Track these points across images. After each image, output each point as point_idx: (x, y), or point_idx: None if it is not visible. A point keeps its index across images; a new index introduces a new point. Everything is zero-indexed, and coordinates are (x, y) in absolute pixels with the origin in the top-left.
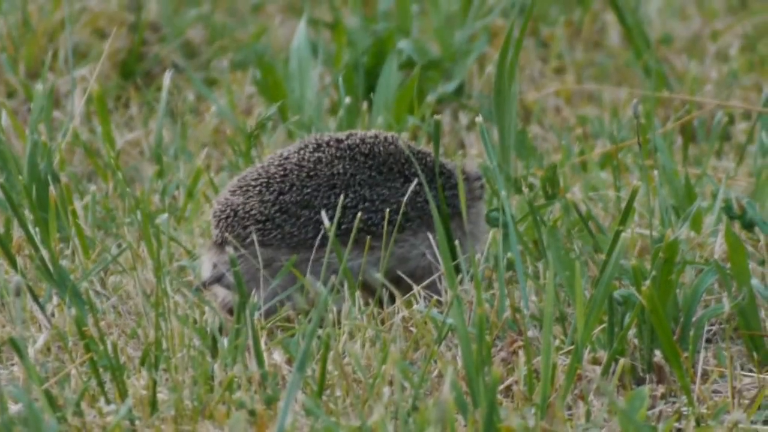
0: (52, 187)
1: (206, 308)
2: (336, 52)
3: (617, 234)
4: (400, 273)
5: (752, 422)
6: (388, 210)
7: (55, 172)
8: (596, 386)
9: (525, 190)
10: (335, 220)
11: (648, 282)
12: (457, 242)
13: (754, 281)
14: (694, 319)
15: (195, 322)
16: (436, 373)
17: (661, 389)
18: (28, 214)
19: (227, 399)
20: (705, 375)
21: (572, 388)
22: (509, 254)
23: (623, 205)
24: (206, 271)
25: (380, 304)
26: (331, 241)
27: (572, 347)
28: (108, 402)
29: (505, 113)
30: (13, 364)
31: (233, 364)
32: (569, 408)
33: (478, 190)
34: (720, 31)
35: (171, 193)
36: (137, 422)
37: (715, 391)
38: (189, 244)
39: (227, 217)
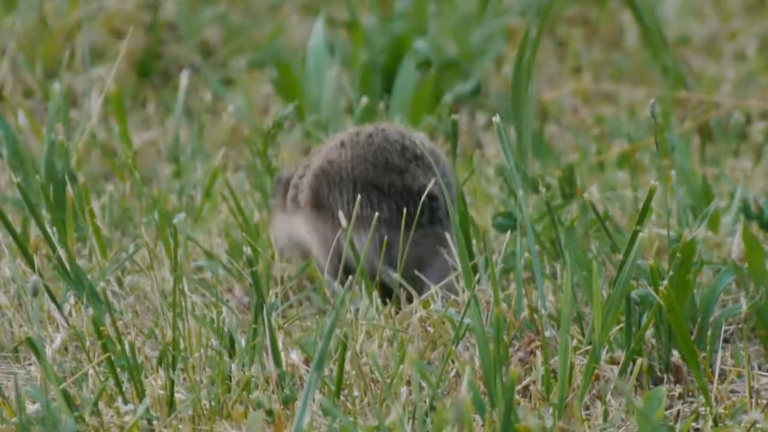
0: (69, 187)
1: (223, 308)
2: (353, 51)
3: (634, 234)
4: (417, 273)
5: None
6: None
7: (72, 172)
8: (614, 386)
9: (542, 189)
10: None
11: (665, 282)
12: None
13: None
14: (711, 319)
15: (212, 321)
16: (453, 373)
17: (678, 389)
18: (45, 213)
19: (245, 399)
20: (722, 375)
21: (590, 388)
22: (526, 254)
23: (640, 204)
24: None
25: (398, 303)
26: (348, 239)
27: (590, 347)
28: (125, 402)
29: (522, 113)
30: (30, 364)
31: (251, 363)
32: (587, 408)
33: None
34: (737, 30)
35: (188, 192)
36: (155, 422)
37: (732, 391)
38: (206, 244)
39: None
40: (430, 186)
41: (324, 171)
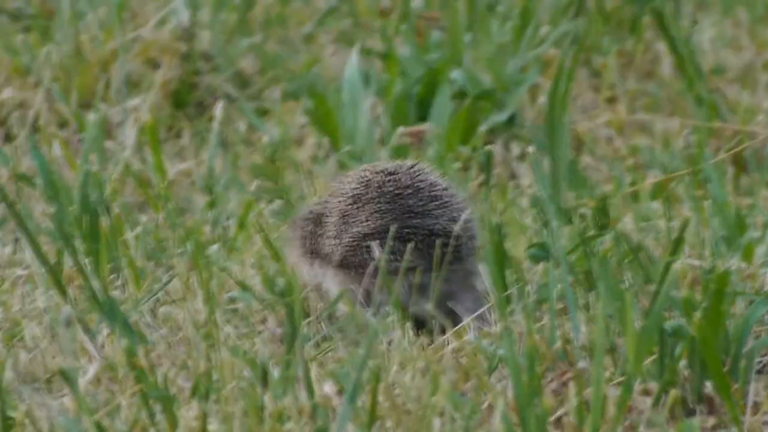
0: (103, 218)
1: (257, 339)
2: (388, 82)
3: (668, 265)
4: (450, 305)
5: None
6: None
7: (107, 203)
8: (647, 418)
9: (576, 220)
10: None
11: (698, 313)
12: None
13: None
14: (744, 350)
15: (245, 353)
16: (486, 404)
17: (711, 421)
18: (79, 244)
19: (278, 430)
20: (756, 406)
21: (623, 420)
22: (560, 285)
23: (674, 236)
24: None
25: (431, 334)
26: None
27: (623, 378)
28: None
29: (556, 143)
30: (63, 395)
31: (284, 395)
32: None
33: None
34: None
35: (222, 223)
36: None
37: (765, 423)
38: (240, 275)
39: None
40: (459, 223)
41: (346, 236)
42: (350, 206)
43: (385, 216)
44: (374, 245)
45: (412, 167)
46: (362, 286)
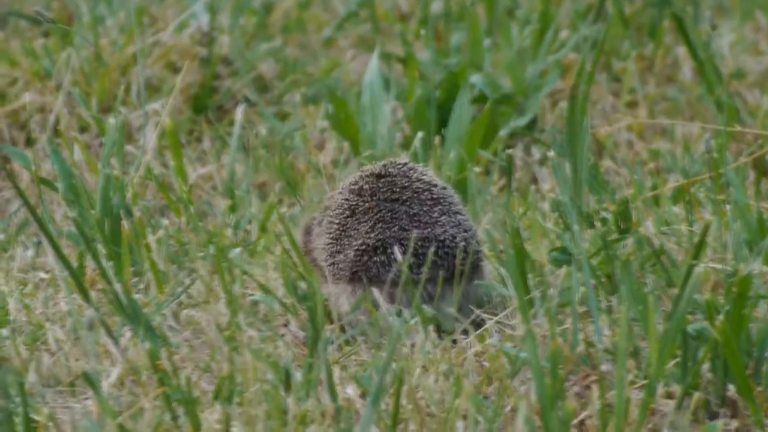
0: (125, 222)
1: (279, 342)
2: (408, 86)
3: (690, 268)
4: (472, 307)
5: None
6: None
7: (128, 207)
8: (670, 421)
9: (597, 224)
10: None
11: (721, 316)
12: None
13: None
14: (767, 353)
15: (268, 356)
16: (509, 407)
17: (734, 424)
18: (101, 248)
19: None
20: None
21: (646, 423)
22: (582, 288)
23: (696, 239)
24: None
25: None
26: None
27: (645, 381)
28: None
29: (577, 147)
30: (86, 398)
31: (307, 398)
32: None
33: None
34: None
35: (243, 227)
36: None
37: None
38: (262, 278)
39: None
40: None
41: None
42: (349, 218)
43: (389, 226)
44: (396, 250)
45: (402, 166)
46: (383, 288)
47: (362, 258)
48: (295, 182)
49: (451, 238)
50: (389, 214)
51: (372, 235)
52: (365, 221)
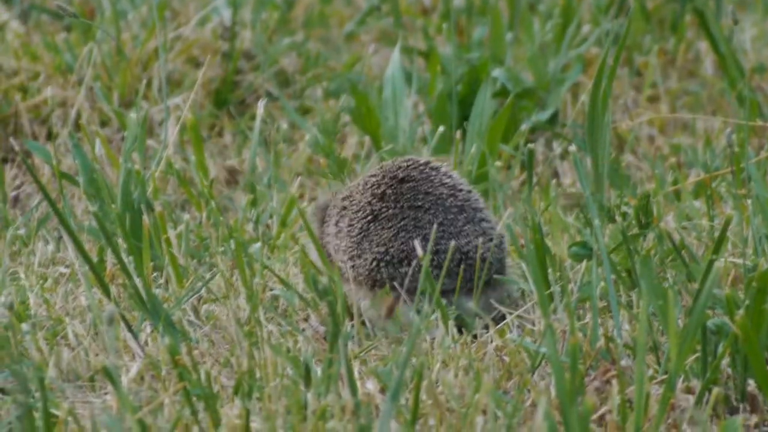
0: (145, 216)
1: (299, 337)
2: (430, 80)
3: (710, 263)
4: (492, 301)
5: None
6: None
7: (149, 201)
8: (690, 416)
9: (618, 219)
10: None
11: (741, 311)
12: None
13: None
14: None
15: (288, 350)
16: (529, 402)
17: (754, 418)
18: (121, 242)
19: (320, 428)
20: None
21: (665, 418)
22: (602, 283)
23: (716, 234)
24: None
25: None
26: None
27: (665, 376)
28: (201, 431)
29: (598, 142)
30: (106, 393)
31: (326, 393)
32: None
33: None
34: None
35: (264, 222)
36: None
37: None
38: (282, 273)
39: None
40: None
41: (379, 261)
42: (371, 223)
43: (412, 236)
44: (417, 244)
45: (425, 167)
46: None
47: (384, 267)
48: (342, 161)
49: (474, 249)
50: (412, 222)
51: (395, 245)
52: (388, 228)
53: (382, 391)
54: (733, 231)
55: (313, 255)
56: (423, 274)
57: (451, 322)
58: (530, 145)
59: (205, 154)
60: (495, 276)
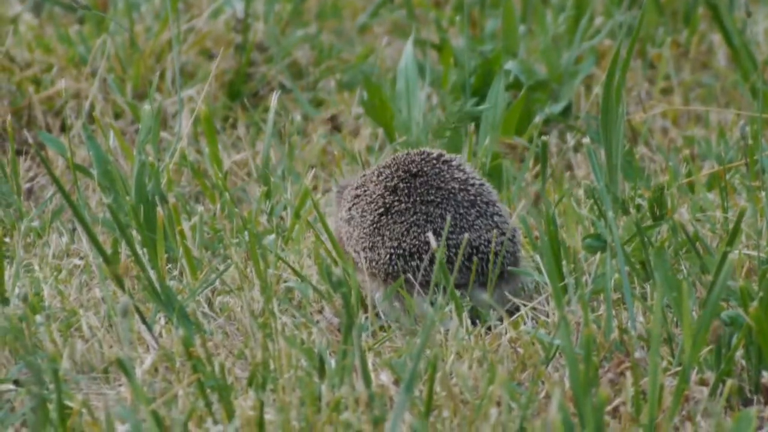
0: (159, 208)
1: (313, 329)
2: (443, 72)
3: (724, 255)
4: (507, 293)
5: None
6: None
7: (163, 193)
8: (704, 407)
9: (632, 211)
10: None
11: (755, 303)
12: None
13: None
14: None
15: (302, 342)
16: (543, 393)
17: None
18: (135, 234)
19: (334, 420)
20: None
21: (679, 409)
22: (616, 275)
23: (731, 226)
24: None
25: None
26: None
27: (679, 368)
28: (215, 423)
29: (612, 134)
30: (120, 385)
31: (341, 384)
32: (676, 429)
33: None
34: None
35: (278, 213)
36: None
37: None
38: (296, 265)
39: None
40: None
41: (392, 255)
42: (383, 216)
43: (423, 230)
44: (431, 236)
45: (438, 161)
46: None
47: (397, 261)
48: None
49: (486, 243)
50: (424, 217)
51: (407, 240)
52: (400, 222)
53: (396, 382)
54: (747, 223)
55: (328, 243)
56: (437, 266)
57: (465, 314)
58: (544, 137)
59: (219, 146)
60: (509, 268)
